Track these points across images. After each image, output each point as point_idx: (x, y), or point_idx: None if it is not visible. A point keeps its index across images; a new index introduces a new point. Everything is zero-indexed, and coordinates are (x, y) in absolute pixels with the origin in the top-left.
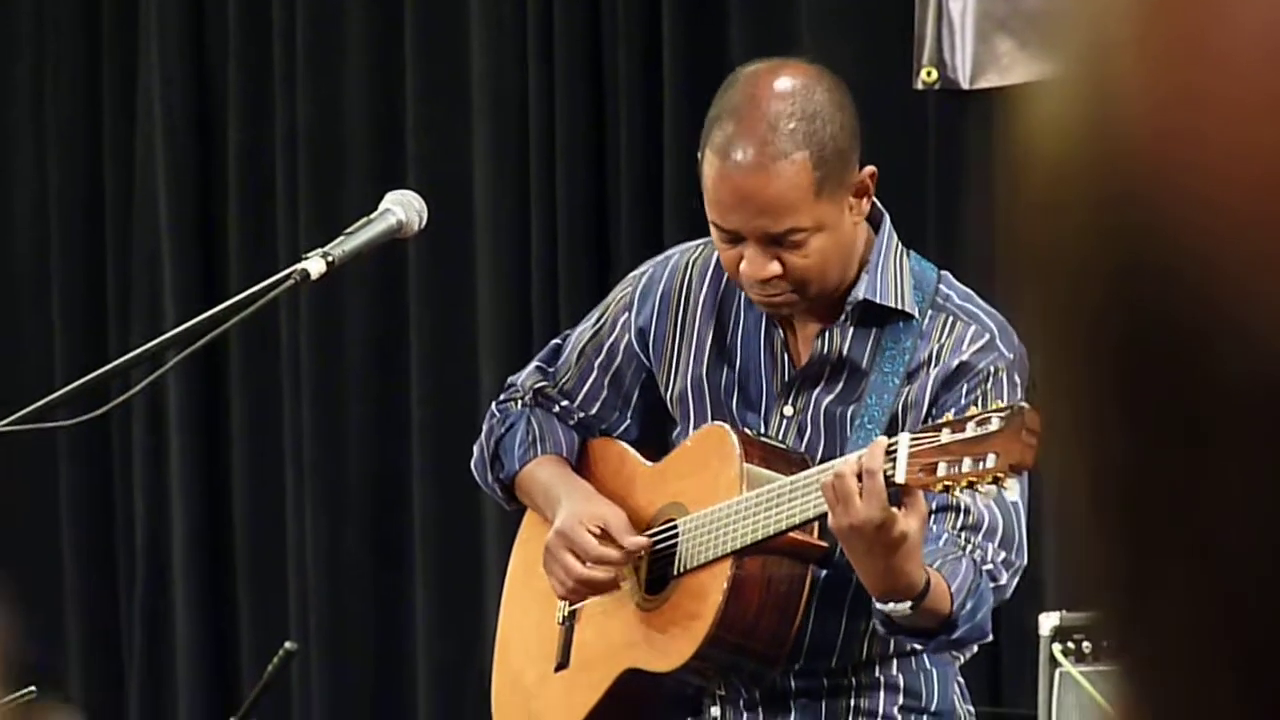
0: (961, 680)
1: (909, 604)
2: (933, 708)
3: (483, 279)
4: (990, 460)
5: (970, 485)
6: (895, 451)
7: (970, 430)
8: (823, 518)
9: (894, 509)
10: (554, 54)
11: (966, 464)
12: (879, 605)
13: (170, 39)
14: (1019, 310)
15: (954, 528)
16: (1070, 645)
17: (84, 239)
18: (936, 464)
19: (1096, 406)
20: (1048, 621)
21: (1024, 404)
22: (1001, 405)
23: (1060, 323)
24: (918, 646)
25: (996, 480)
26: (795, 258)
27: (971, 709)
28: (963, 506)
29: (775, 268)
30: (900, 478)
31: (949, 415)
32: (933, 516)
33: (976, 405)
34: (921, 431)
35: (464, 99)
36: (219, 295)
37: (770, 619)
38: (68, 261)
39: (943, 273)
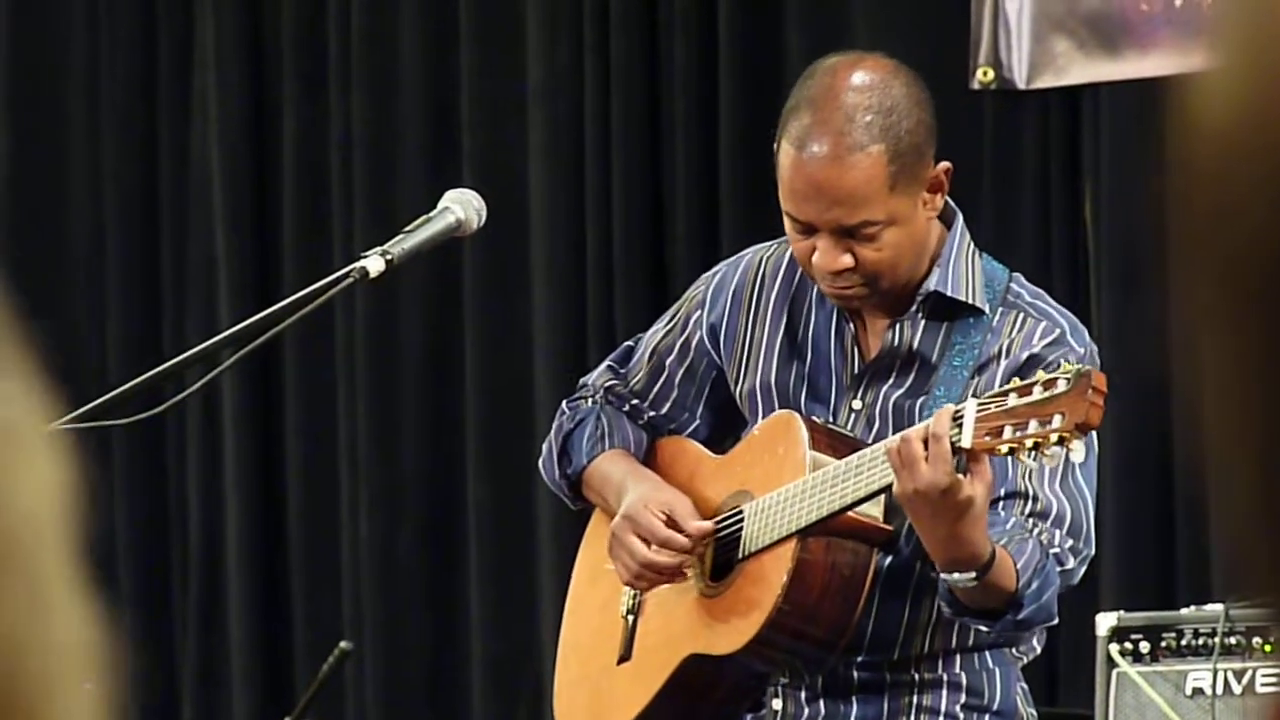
0: (1024, 685)
1: (973, 574)
2: (995, 707)
3: (538, 277)
4: (1056, 421)
5: (1036, 447)
6: (962, 417)
7: (1036, 393)
8: (887, 489)
9: (959, 475)
10: (610, 49)
11: (1033, 426)
12: (944, 576)
13: (226, 34)
14: (1187, 281)
15: (1022, 514)
16: (1127, 645)
17: (139, 237)
18: (1003, 427)
19: (1271, 376)
20: (1105, 621)
21: (1089, 367)
22: (1068, 367)
23: (1232, 289)
24: (984, 629)
25: (1062, 440)
26: (868, 250)
27: (1034, 712)
28: (1031, 493)
29: (847, 260)
30: (967, 442)
31: (1015, 380)
32: (1001, 503)
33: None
34: (989, 397)
35: (519, 96)
36: (273, 292)
37: (833, 604)
38: (123, 259)
39: (1014, 274)
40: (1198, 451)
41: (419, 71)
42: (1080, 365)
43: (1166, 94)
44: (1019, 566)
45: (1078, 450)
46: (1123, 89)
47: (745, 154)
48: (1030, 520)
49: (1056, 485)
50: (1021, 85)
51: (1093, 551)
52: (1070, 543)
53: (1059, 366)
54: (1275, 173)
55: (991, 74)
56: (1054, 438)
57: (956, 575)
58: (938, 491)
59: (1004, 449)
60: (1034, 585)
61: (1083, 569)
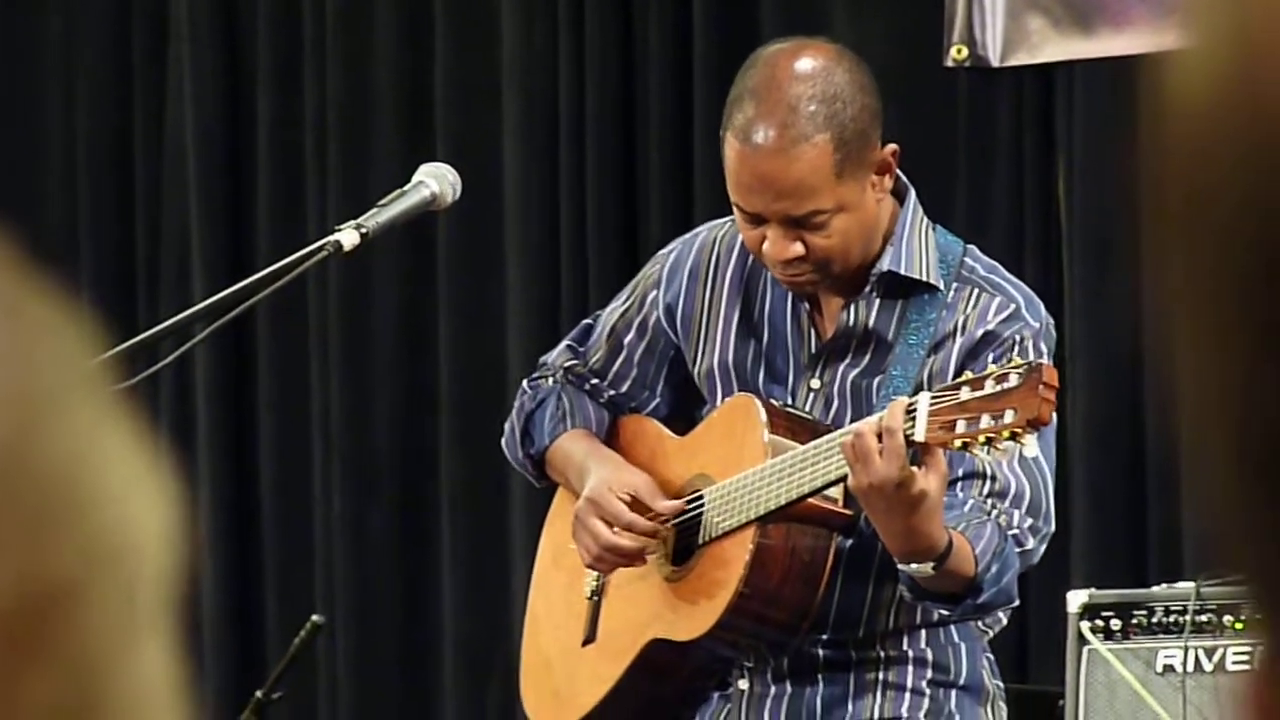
0: (990, 656)
1: (931, 565)
2: (961, 681)
3: (511, 254)
4: (1008, 416)
5: (989, 441)
6: (915, 410)
7: (989, 387)
8: (845, 479)
9: (913, 468)
10: (584, 28)
11: (985, 420)
12: (901, 567)
13: (201, 12)
14: (1163, 259)
15: (980, 494)
16: (1099, 622)
17: (114, 213)
18: (955, 421)
19: (1248, 356)
20: (1076, 599)
21: (1042, 360)
22: (1019, 362)
23: (1211, 269)
24: (945, 613)
25: (1014, 436)
26: (817, 239)
27: (1000, 684)
28: (989, 473)
29: (798, 249)
30: (920, 435)
31: (968, 374)
32: (959, 484)
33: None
34: (941, 390)
35: (494, 72)
36: (248, 266)
37: (793, 588)
38: (97, 233)
39: (968, 246)
40: (1172, 429)
41: (393, 50)
42: (1031, 360)
43: (1142, 71)
44: (977, 552)
45: (1029, 445)
46: (1096, 67)
47: (718, 135)
48: (989, 501)
49: (1015, 464)
50: (995, 63)
51: (1053, 529)
52: (1030, 522)
53: (1014, 345)
54: (1256, 148)
55: (965, 51)
56: (1006, 433)
57: (914, 566)
58: (891, 485)
59: (957, 443)
60: (993, 569)
61: (1043, 547)
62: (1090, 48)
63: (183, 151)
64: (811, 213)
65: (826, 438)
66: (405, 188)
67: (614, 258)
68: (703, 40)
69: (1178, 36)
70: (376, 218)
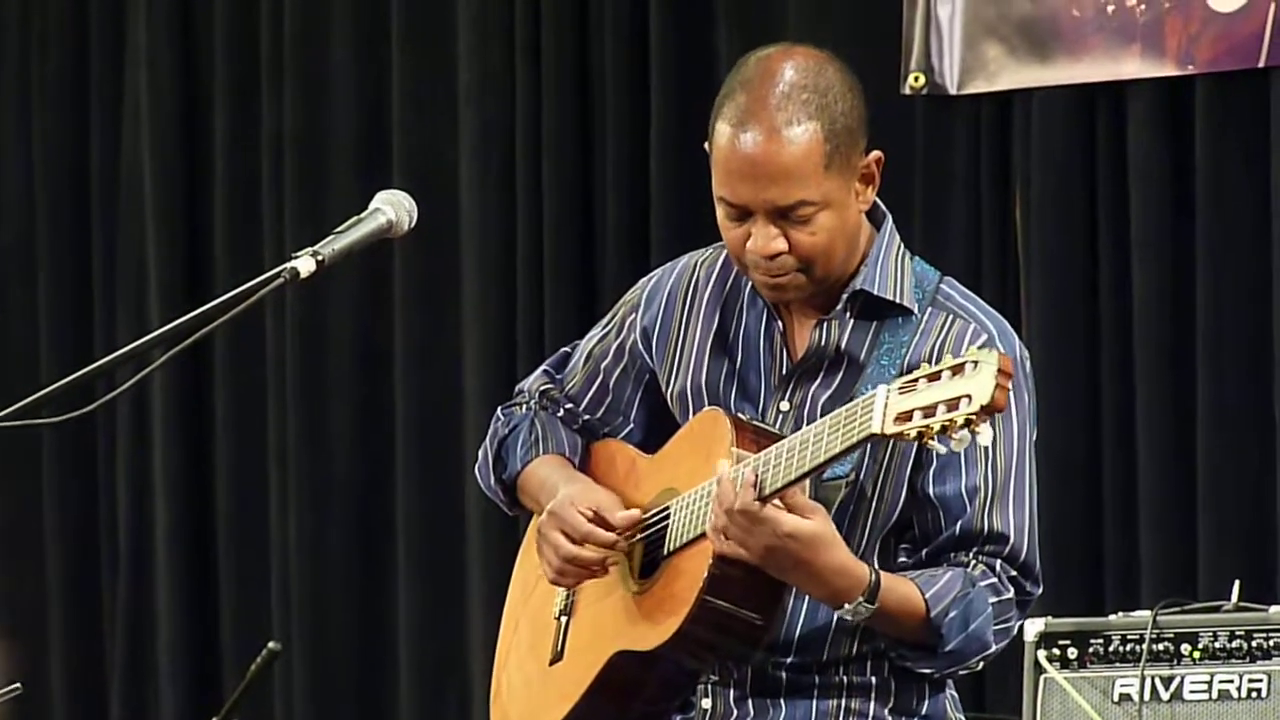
0: (954, 693)
1: (862, 599)
2: (923, 712)
3: (468, 279)
4: (963, 405)
5: (944, 430)
6: (873, 404)
7: (945, 379)
8: (805, 479)
9: (772, 509)
10: (541, 53)
11: (941, 411)
12: (839, 615)
13: (158, 34)
14: None
15: (970, 551)
16: (1055, 651)
17: (70, 236)
18: (913, 413)
19: None
20: (1032, 627)
21: (996, 351)
22: (974, 352)
23: None
24: (927, 670)
25: (969, 424)
26: (802, 235)
27: (962, 718)
28: (984, 531)
29: (782, 244)
30: (877, 428)
31: (925, 367)
32: (949, 555)
33: None
34: (899, 383)
35: (450, 98)
36: (204, 291)
37: (755, 597)
38: (53, 259)
39: (945, 277)
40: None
41: (350, 72)
42: (986, 350)
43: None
44: (928, 596)
45: (984, 433)
46: (1053, 94)
47: (676, 156)
48: (972, 554)
49: (1010, 514)
50: (953, 90)
51: (1040, 591)
52: (1012, 573)
53: None
54: None
55: (923, 79)
56: (960, 420)
57: (847, 607)
58: (760, 549)
59: (912, 433)
60: (952, 614)
61: (1027, 606)
62: (1047, 76)
63: (139, 176)
64: (798, 203)
65: (787, 440)
66: (362, 215)
67: (570, 280)
68: (658, 68)
69: None
70: (333, 245)
